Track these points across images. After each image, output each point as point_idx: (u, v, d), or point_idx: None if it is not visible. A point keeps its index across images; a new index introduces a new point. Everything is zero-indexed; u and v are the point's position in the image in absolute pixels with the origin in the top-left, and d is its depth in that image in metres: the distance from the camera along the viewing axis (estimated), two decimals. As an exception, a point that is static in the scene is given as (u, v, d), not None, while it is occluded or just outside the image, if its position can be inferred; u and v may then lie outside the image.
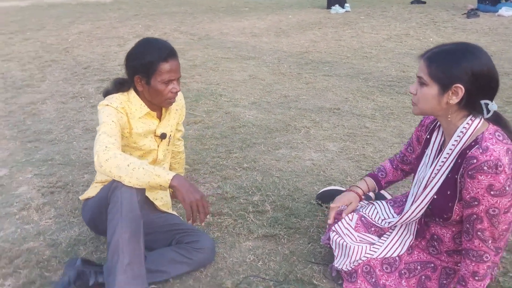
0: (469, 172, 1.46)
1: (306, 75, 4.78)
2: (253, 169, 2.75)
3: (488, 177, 1.43)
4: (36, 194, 2.51)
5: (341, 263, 1.80)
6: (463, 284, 1.61)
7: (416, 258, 1.74)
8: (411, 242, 1.76)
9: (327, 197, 2.32)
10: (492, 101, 1.52)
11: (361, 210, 1.88)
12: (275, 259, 1.97)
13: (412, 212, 1.70)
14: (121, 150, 1.91)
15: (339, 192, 2.31)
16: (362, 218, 1.85)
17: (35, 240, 2.10)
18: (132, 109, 1.90)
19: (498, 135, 1.49)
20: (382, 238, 1.80)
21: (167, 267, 1.84)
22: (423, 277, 1.72)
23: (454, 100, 1.49)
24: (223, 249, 2.04)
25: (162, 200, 2.08)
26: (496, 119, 1.55)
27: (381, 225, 1.81)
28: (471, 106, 1.52)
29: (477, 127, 1.53)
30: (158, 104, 1.91)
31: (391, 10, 8.93)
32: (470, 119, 1.53)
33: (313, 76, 4.71)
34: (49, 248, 2.04)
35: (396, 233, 1.79)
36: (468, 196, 1.50)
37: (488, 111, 1.51)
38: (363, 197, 1.94)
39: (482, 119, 1.54)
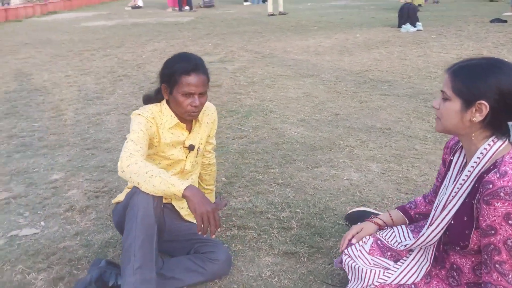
0: (485, 198, 1.37)
1: (361, 93, 4.69)
2: (288, 185, 2.75)
3: (506, 204, 1.32)
4: (82, 197, 2.70)
5: (355, 287, 1.74)
6: (481, 319, 1.49)
7: (434, 286, 1.64)
8: (427, 269, 1.66)
9: (356, 218, 2.26)
10: None
11: (378, 233, 1.81)
12: (291, 277, 1.95)
13: (428, 236, 1.61)
14: (151, 159, 2.04)
15: (368, 214, 2.25)
16: (378, 242, 1.78)
17: (72, 240, 2.26)
18: (163, 119, 1.99)
19: (519, 159, 1.38)
20: (398, 263, 1.72)
21: (181, 275, 1.90)
22: (439, 307, 1.62)
23: (478, 117, 1.41)
24: (241, 263, 2.05)
25: (187, 210, 2.15)
26: None
27: (397, 248, 1.73)
28: (495, 126, 1.43)
29: (499, 150, 1.43)
30: (181, 116, 1.99)
31: (466, 29, 8.50)
32: (492, 140, 1.44)
33: (369, 95, 4.62)
34: (83, 248, 2.19)
35: (413, 259, 1.70)
36: (484, 224, 1.40)
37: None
38: (382, 227, 1.87)
39: (506, 142, 1.44)
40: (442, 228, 1.57)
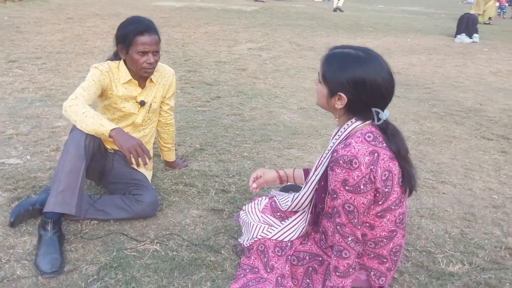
0: (331, 165, 1.51)
1: (374, 92, 4.72)
2: (250, 158, 2.95)
3: (343, 171, 1.46)
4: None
5: (244, 239, 1.93)
6: (329, 277, 1.64)
7: (308, 248, 1.80)
8: (303, 230, 1.81)
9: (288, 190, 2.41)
10: (383, 110, 1.54)
11: (276, 196, 1.98)
12: (206, 228, 2.17)
13: (301, 198, 1.77)
14: (106, 109, 2.34)
15: (298, 188, 2.40)
16: (272, 203, 1.95)
17: (44, 173, 2.62)
18: (119, 74, 2.27)
19: (368, 135, 1.51)
20: (282, 222, 1.88)
21: (110, 209, 2.17)
22: (310, 268, 1.77)
23: (339, 105, 1.55)
24: (171, 211, 2.30)
25: (136, 159, 2.42)
26: (384, 127, 1.55)
27: (283, 209, 1.90)
28: (356, 113, 1.56)
29: (357, 126, 1.56)
30: (136, 73, 2.25)
31: (527, 45, 8.06)
32: (354, 119, 1.57)
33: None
34: (49, 180, 2.53)
35: (293, 220, 1.86)
36: (330, 189, 1.55)
37: (379, 119, 1.54)
38: (283, 179, 2.00)
39: (369, 121, 1.56)
40: (311, 191, 1.72)
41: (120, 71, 2.28)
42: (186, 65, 5.60)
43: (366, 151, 1.47)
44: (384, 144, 1.52)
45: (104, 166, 2.33)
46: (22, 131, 3.21)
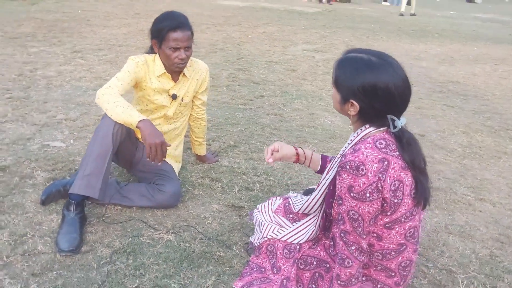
0: (338, 169, 1.47)
1: (426, 101, 4.53)
2: (281, 159, 2.92)
3: (350, 177, 1.42)
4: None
5: (255, 238, 1.93)
6: (331, 285, 1.59)
7: (316, 253, 1.76)
8: (313, 234, 1.77)
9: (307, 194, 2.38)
10: (399, 117, 1.47)
11: (291, 198, 1.95)
12: (223, 223, 2.19)
13: (311, 201, 1.73)
14: (140, 101, 2.42)
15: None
16: (286, 204, 1.93)
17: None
18: (154, 68, 2.35)
19: (380, 142, 1.45)
20: (293, 224, 1.86)
21: (134, 196, 2.26)
22: (317, 274, 1.74)
23: (352, 112, 1.50)
24: (193, 203, 2.35)
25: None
26: (399, 135, 1.48)
27: (294, 210, 1.87)
28: (369, 119, 1.50)
29: (370, 132, 1.50)
30: (169, 67, 2.32)
31: None
32: (367, 125, 1.51)
33: (432, 103, 4.44)
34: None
35: (304, 223, 1.83)
36: (336, 194, 1.50)
37: (395, 127, 1.47)
38: (300, 158, 1.91)
39: (382, 128, 1.50)
40: (321, 195, 1.68)
41: (156, 64, 2.34)
42: (237, 63, 5.66)
43: (375, 158, 1.41)
44: (397, 153, 1.45)
45: (134, 154, 2.42)
46: (71, 116, 3.40)
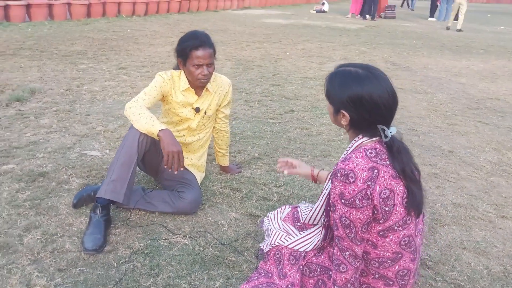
0: (331, 177, 1.54)
1: (460, 117, 4.46)
2: (303, 171, 3.00)
3: (340, 184, 1.49)
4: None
5: (265, 244, 2.01)
6: (330, 288, 1.66)
7: (320, 261, 1.82)
8: (318, 243, 1.84)
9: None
10: (389, 127, 1.54)
11: (300, 207, 2.03)
12: (237, 231, 2.29)
13: (314, 211, 1.80)
14: (166, 113, 2.59)
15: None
16: (295, 213, 2.01)
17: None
18: (179, 83, 2.52)
19: (371, 152, 1.52)
20: (300, 233, 1.93)
21: (157, 202, 2.41)
22: (320, 281, 1.80)
23: (344, 122, 1.59)
24: (212, 211, 2.47)
25: (189, 160, 2.64)
26: (390, 144, 1.54)
27: (301, 220, 1.94)
28: (361, 129, 1.57)
29: (363, 142, 1.57)
30: (193, 83, 2.47)
31: None
32: (360, 136, 1.58)
33: (466, 120, 4.37)
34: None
35: (311, 232, 1.90)
36: (330, 201, 1.57)
37: (386, 136, 1.54)
38: (316, 178, 2.08)
39: (375, 138, 1.57)
40: (323, 204, 1.75)
41: (181, 79, 2.51)
42: (272, 79, 5.80)
43: (365, 167, 1.48)
44: (387, 162, 1.51)
45: (160, 163, 2.58)
46: (109, 128, 3.64)
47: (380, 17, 16.16)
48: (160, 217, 2.38)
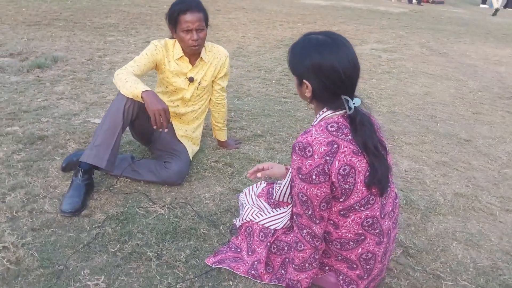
0: (291, 151, 1.45)
1: (487, 106, 4.19)
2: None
3: (298, 159, 1.41)
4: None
5: (238, 220, 1.96)
6: (287, 269, 1.59)
7: (289, 239, 1.76)
8: (288, 222, 1.76)
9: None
10: (352, 98, 1.43)
11: (276, 184, 1.95)
12: (219, 205, 2.25)
13: (282, 188, 1.73)
14: (161, 82, 2.55)
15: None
16: (270, 189, 1.94)
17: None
18: (173, 51, 2.46)
19: (332, 125, 1.42)
20: (272, 210, 1.85)
21: (143, 171, 2.39)
22: (287, 259, 1.73)
23: (308, 93, 1.49)
24: (198, 184, 2.43)
25: (183, 132, 2.60)
26: (353, 117, 1.44)
27: (274, 198, 1.87)
28: (324, 100, 1.47)
29: (327, 116, 1.47)
30: (185, 50, 2.41)
31: None
32: (326, 109, 1.48)
33: (493, 109, 4.10)
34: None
35: (282, 211, 1.82)
36: (290, 177, 1.49)
37: (350, 108, 1.44)
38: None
39: (340, 111, 1.46)
40: (288, 182, 1.67)
41: (175, 48, 2.46)
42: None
43: (324, 141, 1.38)
44: (349, 137, 1.41)
45: (153, 133, 2.55)
46: (118, 98, 3.65)
47: (427, 2, 15.44)
48: (145, 186, 2.36)
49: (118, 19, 7.50)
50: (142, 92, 2.10)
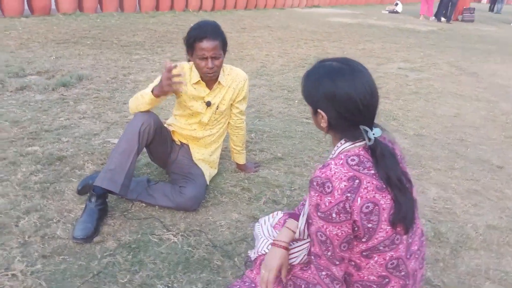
0: (308, 185, 1.36)
1: (521, 130, 3.99)
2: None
3: (316, 195, 1.31)
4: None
5: (253, 252, 1.86)
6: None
7: (306, 276, 1.65)
8: (305, 258, 1.65)
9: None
10: (371, 128, 1.33)
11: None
12: (235, 233, 2.16)
13: (300, 226, 1.62)
14: (178, 106, 2.51)
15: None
16: (286, 220, 1.82)
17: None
18: (191, 75, 2.42)
19: (352, 159, 1.32)
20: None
21: (158, 196, 2.33)
22: (304, 299, 1.62)
23: (323, 123, 1.40)
24: (214, 210, 2.35)
25: (200, 155, 2.54)
26: (373, 148, 1.33)
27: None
28: (340, 130, 1.38)
29: (345, 148, 1.37)
30: (202, 76, 2.36)
31: None
32: (344, 140, 1.38)
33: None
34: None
35: (300, 245, 1.71)
36: (308, 214, 1.39)
37: (370, 139, 1.34)
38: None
39: (359, 143, 1.36)
40: (305, 220, 1.57)
41: (193, 72, 2.41)
42: (296, 70, 5.57)
43: (344, 176, 1.28)
44: (372, 171, 1.30)
45: (169, 156, 2.50)
46: (139, 118, 3.63)
47: (457, 20, 15.17)
48: (160, 212, 2.30)
49: (144, 37, 7.58)
50: (152, 90, 2.19)
